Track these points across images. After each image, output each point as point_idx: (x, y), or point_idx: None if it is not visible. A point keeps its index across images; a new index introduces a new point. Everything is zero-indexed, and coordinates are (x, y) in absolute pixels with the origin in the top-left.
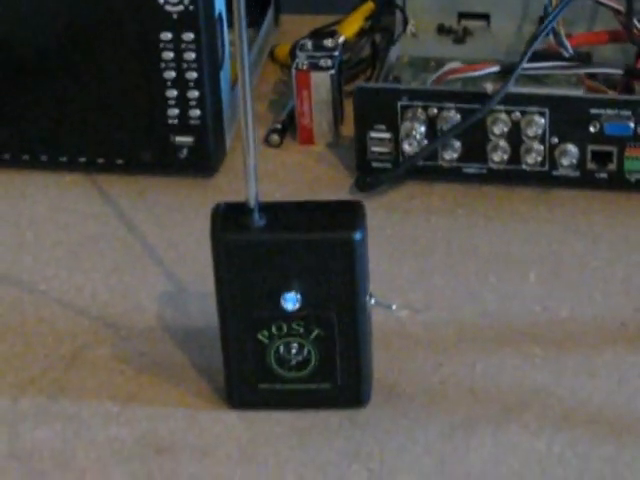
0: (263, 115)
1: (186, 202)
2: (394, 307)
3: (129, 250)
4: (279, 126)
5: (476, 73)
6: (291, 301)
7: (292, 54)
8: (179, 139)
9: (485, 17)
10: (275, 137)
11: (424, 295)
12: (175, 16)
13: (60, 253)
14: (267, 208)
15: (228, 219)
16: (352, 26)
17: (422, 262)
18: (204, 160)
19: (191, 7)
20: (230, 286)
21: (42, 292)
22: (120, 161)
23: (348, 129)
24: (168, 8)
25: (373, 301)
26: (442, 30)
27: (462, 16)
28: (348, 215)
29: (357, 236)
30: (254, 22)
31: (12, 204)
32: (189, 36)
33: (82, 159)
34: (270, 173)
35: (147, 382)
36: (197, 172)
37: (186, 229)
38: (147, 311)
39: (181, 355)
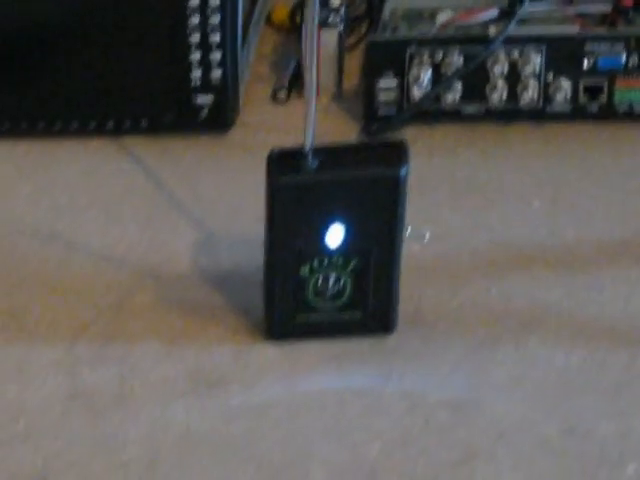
0: (266, 75)
1: (207, 157)
2: (427, 236)
3: (159, 204)
4: (285, 84)
5: (475, 19)
6: (335, 236)
7: (292, 16)
8: (200, 99)
9: None
10: (282, 94)
11: (434, 228)
12: None
13: (95, 212)
14: (318, 151)
15: (282, 163)
16: None
17: (429, 198)
18: (222, 117)
19: None
20: (280, 225)
21: (84, 249)
22: (144, 123)
23: (350, 82)
24: None
25: (409, 230)
26: None
27: None
28: (393, 153)
29: (402, 172)
30: None
31: (46, 170)
32: (215, 1)
33: (109, 124)
34: (280, 127)
35: (190, 323)
36: (215, 128)
37: (209, 181)
38: (182, 259)
39: (218, 297)
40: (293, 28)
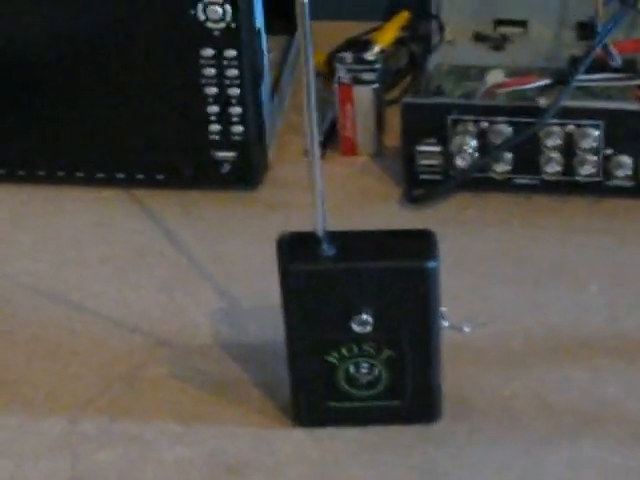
0: (301, 125)
1: (230, 215)
2: (466, 329)
3: (176, 265)
4: (321, 137)
5: (527, 86)
6: (362, 324)
7: (329, 64)
8: (221, 154)
9: (522, 23)
10: None
11: (485, 307)
12: (217, 33)
13: (106, 269)
14: (335, 237)
15: (296, 248)
16: (388, 35)
17: (480, 273)
18: (247, 174)
19: (233, 24)
20: (299, 312)
21: (91, 310)
22: (160, 176)
23: (390, 139)
24: (210, 25)
25: (446, 324)
26: (479, 37)
27: (499, 23)
28: (420, 243)
29: (431, 264)
30: (287, 29)
31: (50, 220)
32: (231, 53)
33: (120, 175)
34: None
35: (209, 401)
36: (240, 185)
37: (232, 243)
38: (201, 328)
39: (241, 373)
40: (330, 75)
